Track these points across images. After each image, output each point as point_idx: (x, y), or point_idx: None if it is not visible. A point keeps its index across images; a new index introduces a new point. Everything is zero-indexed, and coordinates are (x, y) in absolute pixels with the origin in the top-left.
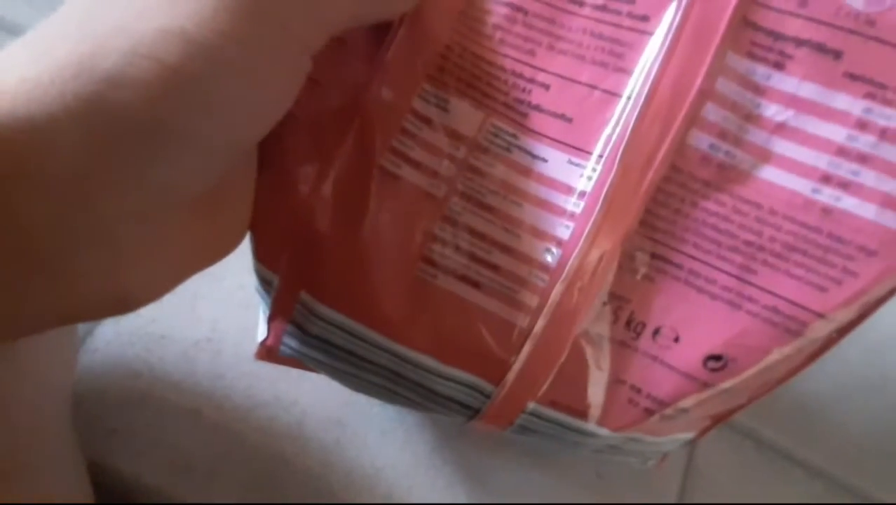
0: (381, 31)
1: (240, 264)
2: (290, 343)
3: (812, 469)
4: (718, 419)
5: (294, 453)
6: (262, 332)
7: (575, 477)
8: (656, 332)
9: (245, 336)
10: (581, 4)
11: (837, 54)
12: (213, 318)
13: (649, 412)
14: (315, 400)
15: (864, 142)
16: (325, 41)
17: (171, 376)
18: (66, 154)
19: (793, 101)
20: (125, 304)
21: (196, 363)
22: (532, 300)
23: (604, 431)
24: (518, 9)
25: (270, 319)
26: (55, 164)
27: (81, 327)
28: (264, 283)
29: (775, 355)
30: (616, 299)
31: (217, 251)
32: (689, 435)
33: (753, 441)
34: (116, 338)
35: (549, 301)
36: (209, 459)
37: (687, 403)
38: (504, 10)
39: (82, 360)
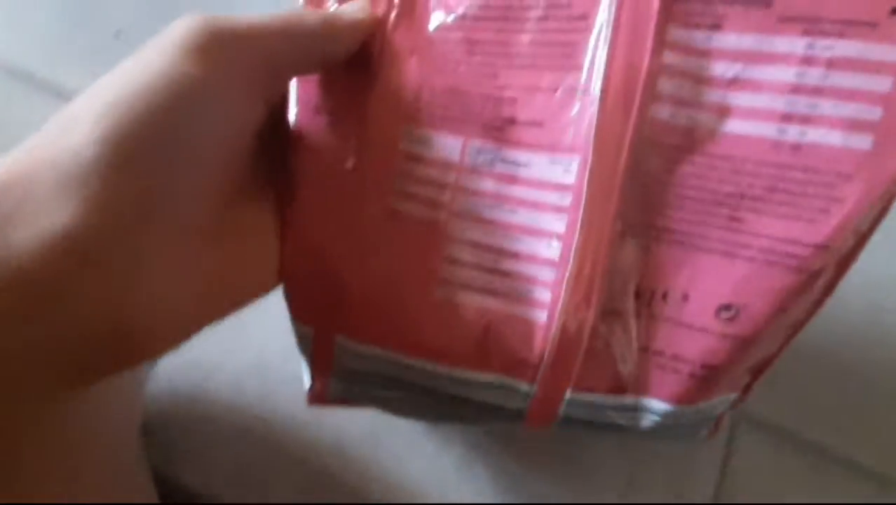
0: (358, 99)
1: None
2: (337, 385)
3: (862, 470)
4: (757, 372)
5: (336, 466)
6: (307, 380)
7: (605, 484)
8: (665, 296)
9: (288, 360)
10: (525, 21)
11: (767, 3)
12: (260, 345)
13: (692, 376)
14: (350, 418)
15: (814, 75)
16: (271, 80)
17: (225, 400)
18: None
19: (738, 56)
20: (126, 341)
21: (246, 388)
22: (545, 295)
23: (653, 404)
24: (473, 42)
25: (313, 367)
26: None
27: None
28: (302, 337)
29: (784, 294)
30: (621, 275)
31: (235, 296)
32: (734, 394)
33: (792, 443)
34: (177, 369)
35: (562, 292)
36: (261, 471)
37: (715, 359)
38: (461, 47)
39: (150, 389)
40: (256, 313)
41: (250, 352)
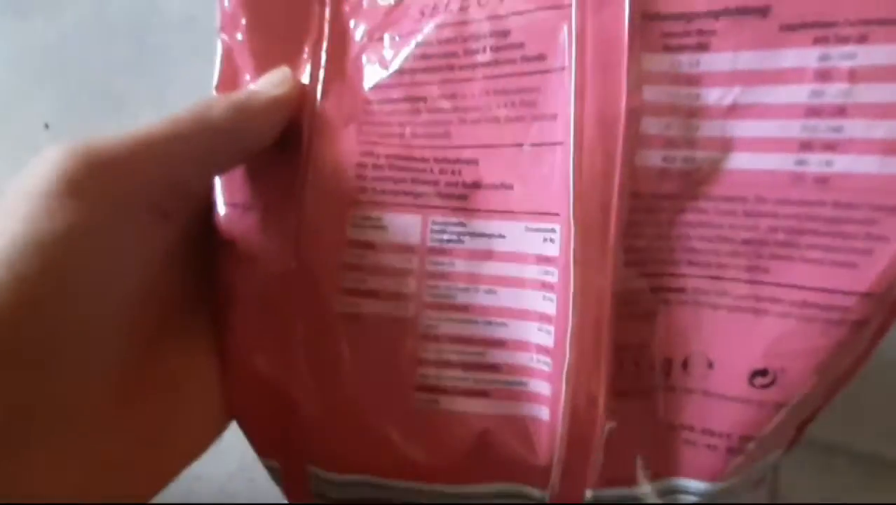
0: (292, 186)
1: None
2: None
3: None
4: (803, 426)
5: None
6: None
7: None
8: (685, 364)
9: None
10: (473, 67)
11: (764, 11)
12: (241, 449)
13: (731, 451)
14: None
15: (834, 92)
16: (176, 196)
17: None
18: None
19: (734, 78)
20: None
21: (234, 496)
22: (543, 388)
23: (689, 484)
24: (415, 99)
25: (290, 499)
26: None
27: None
28: (271, 470)
29: (827, 352)
30: (630, 350)
31: (181, 449)
32: (778, 452)
33: (845, 456)
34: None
35: (563, 382)
36: None
37: (754, 430)
38: (404, 106)
39: None
40: None
41: (232, 456)
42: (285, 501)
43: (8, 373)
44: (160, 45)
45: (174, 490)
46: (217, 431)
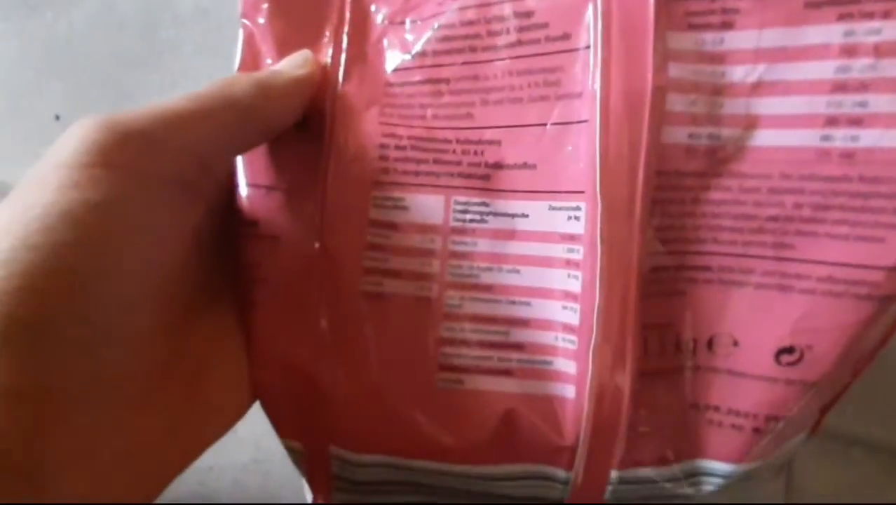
0: (315, 168)
1: None
2: (343, 496)
3: None
4: (826, 409)
5: None
6: (308, 495)
7: None
8: (710, 343)
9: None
10: (496, 49)
11: None
12: (256, 438)
13: (757, 432)
14: None
15: (859, 67)
16: (200, 172)
17: (227, 502)
18: None
19: (759, 56)
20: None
21: (247, 487)
22: (569, 366)
23: (714, 466)
24: (437, 81)
25: (311, 483)
26: None
27: None
28: (292, 452)
29: (854, 328)
30: (655, 329)
31: (206, 429)
32: (802, 436)
33: (862, 446)
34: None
35: (589, 360)
36: None
37: (781, 409)
38: (426, 88)
39: None
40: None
41: (245, 448)
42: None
43: (41, 346)
44: (171, 39)
45: (187, 480)
46: (241, 412)
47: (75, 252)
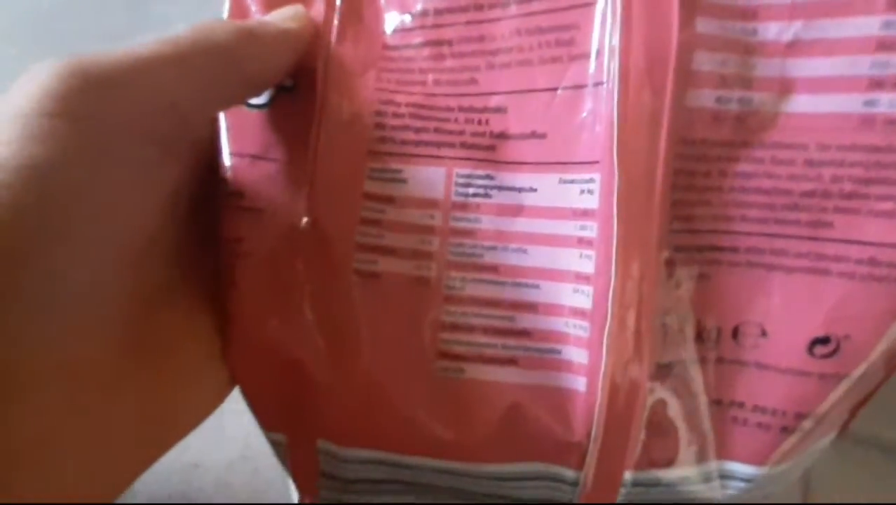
0: (305, 135)
1: None
2: (331, 495)
3: None
4: (857, 408)
5: None
6: (293, 492)
7: None
8: (735, 333)
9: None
10: (503, 6)
11: None
12: (245, 435)
13: (785, 431)
14: None
15: None
16: (176, 127)
17: (212, 501)
18: None
19: (796, 11)
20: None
21: (233, 486)
22: (581, 356)
23: (737, 468)
24: (439, 42)
25: (295, 479)
26: None
27: None
28: (275, 444)
29: None
30: (676, 316)
31: (179, 419)
32: (831, 437)
33: (878, 449)
34: (151, 473)
35: (602, 350)
36: None
37: (812, 406)
38: (426, 51)
39: (121, 498)
40: (231, 402)
41: (233, 445)
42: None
43: (3, 316)
44: (160, 14)
45: (171, 479)
46: (218, 400)
47: (39, 213)
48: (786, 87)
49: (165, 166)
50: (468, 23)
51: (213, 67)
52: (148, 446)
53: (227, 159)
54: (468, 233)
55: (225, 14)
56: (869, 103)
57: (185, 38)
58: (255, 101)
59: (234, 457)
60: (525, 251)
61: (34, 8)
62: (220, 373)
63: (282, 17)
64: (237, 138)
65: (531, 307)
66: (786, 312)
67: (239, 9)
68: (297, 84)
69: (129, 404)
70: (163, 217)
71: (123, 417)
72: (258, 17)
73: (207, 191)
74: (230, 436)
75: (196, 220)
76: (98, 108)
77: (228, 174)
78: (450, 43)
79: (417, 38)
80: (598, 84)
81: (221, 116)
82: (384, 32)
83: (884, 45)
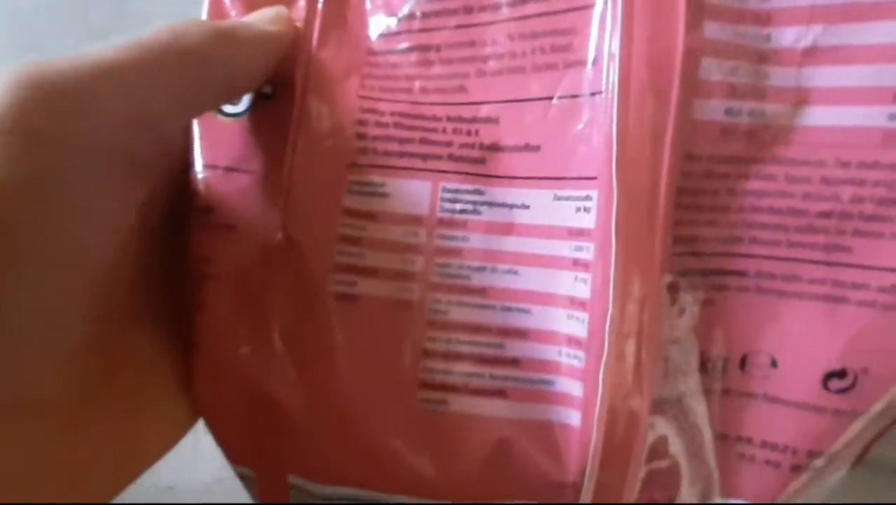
0: (282, 146)
1: None
2: None
3: None
4: (873, 441)
5: None
6: None
7: None
8: (743, 363)
9: None
10: (495, 9)
11: None
12: (218, 457)
13: (796, 469)
14: None
15: None
16: (146, 140)
17: None
18: None
19: (813, 15)
20: None
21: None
22: (575, 388)
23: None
24: (427, 48)
25: None
26: None
27: None
28: (244, 478)
29: None
30: (679, 344)
31: (139, 454)
32: (842, 473)
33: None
34: (125, 496)
35: (599, 381)
36: None
37: (826, 444)
38: (413, 56)
39: None
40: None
41: (209, 466)
42: None
43: None
44: (140, 10)
45: (146, 501)
46: (189, 424)
47: None
48: (802, 98)
49: (134, 184)
50: (457, 27)
51: (188, 72)
52: (117, 472)
53: (198, 171)
54: (455, 252)
55: (203, 14)
56: (894, 117)
57: (156, 41)
58: (230, 109)
59: (210, 479)
60: (516, 273)
61: (12, 5)
62: (186, 402)
63: (263, 18)
64: (210, 149)
65: (522, 334)
66: (799, 342)
67: (217, 9)
68: (276, 91)
69: (95, 433)
70: (130, 238)
71: (89, 446)
72: (237, 18)
73: (181, 207)
74: (206, 456)
75: (167, 238)
76: (57, 123)
77: (199, 187)
78: (438, 48)
79: (404, 43)
80: (596, 93)
81: (194, 125)
82: (369, 37)
83: None
